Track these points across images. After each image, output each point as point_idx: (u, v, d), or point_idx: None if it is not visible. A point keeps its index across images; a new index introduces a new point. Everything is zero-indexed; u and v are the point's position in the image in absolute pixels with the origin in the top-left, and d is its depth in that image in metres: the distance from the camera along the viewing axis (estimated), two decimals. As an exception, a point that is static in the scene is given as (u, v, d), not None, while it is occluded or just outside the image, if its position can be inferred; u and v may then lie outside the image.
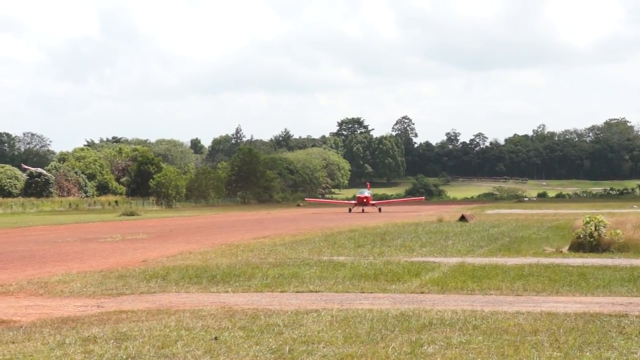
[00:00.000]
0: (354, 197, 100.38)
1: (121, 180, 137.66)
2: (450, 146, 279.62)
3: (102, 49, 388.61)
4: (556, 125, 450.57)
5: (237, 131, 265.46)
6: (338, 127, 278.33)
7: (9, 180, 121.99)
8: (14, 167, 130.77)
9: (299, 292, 16.73)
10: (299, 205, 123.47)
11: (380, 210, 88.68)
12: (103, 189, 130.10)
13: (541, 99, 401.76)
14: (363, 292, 16.54)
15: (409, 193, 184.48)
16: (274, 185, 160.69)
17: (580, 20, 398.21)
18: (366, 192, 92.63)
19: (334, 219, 64.19)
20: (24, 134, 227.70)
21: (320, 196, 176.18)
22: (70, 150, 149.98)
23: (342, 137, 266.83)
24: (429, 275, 18.99)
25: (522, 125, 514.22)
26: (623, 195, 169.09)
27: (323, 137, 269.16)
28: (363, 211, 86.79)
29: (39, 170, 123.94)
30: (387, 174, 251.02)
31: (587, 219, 26.09)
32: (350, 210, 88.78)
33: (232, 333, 11.79)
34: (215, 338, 11.43)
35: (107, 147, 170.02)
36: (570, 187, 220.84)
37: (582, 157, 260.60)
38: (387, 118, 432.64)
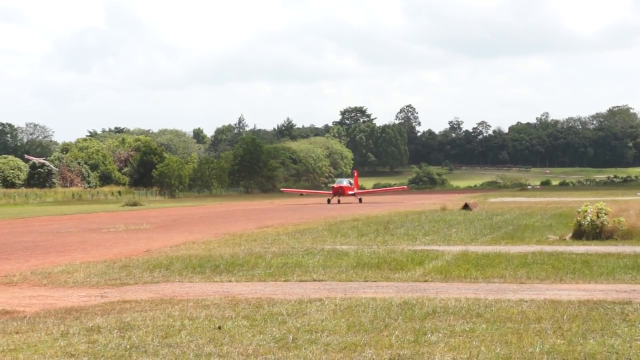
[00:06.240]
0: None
1: (124, 170, 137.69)
2: (454, 134, 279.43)
3: (106, 40, 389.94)
4: (560, 113, 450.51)
5: (240, 121, 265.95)
6: (341, 116, 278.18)
7: (12, 171, 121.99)
8: (16, 158, 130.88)
9: (303, 281, 16.73)
10: (301, 195, 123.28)
11: (360, 201, 78.67)
12: (106, 180, 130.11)
13: (546, 86, 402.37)
14: (366, 281, 16.53)
15: (412, 182, 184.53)
16: (277, 174, 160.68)
17: (586, 7, 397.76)
18: (344, 182, 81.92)
19: (337, 207, 64.17)
20: (27, 125, 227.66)
21: (323, 185, 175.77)
22: (73, 140, 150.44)
23: (345, 126, 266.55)
24: (433, 263, 18.98)
25: (526, 113, 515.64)
26: (627, 183, 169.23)
27: (326, 126, 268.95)
28: (339, 202, 76.69)
29: (42, 160, 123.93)
30: (390, 163, 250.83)
31: (585, 207, 26.06)
32: (329, 202, 78.51)
33: (235, 322, 11.79)
34: (219, 327, 11.43)
35: (109, 138, 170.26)
36: (573, 175, 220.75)
37: (586, 145, 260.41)
38: (391, 107, 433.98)
